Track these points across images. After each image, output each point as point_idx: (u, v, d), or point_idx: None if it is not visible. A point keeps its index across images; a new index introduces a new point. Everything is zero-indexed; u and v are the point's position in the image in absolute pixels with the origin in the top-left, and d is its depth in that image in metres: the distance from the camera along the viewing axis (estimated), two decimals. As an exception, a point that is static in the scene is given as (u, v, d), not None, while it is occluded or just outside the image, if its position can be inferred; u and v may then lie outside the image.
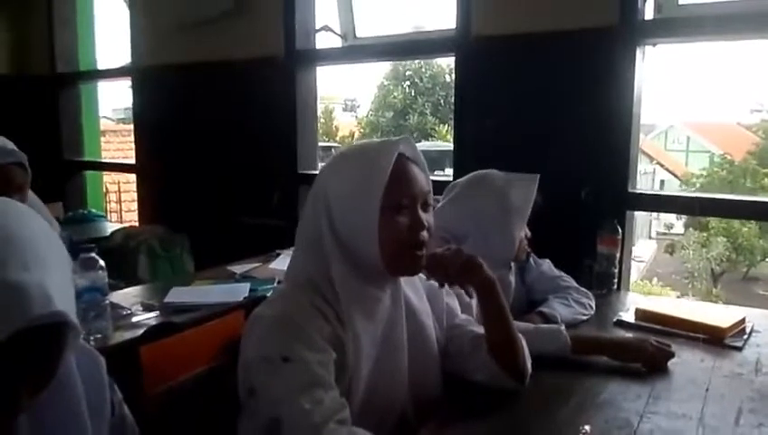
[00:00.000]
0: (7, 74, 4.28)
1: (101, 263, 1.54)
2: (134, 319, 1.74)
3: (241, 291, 1.95)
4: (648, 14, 2.24)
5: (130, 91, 3.84)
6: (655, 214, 14.18)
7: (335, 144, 15.45)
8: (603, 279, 2.05)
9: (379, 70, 18.61)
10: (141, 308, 1.84)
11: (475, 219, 1.63)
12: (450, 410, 1.23)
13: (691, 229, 13.50)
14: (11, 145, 1.87)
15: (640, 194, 2.33)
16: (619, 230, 2.07)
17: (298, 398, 0.98)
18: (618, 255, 2.07)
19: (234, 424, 1.15)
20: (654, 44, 2.27)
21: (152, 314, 1.78)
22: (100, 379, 0.88)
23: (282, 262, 2.39)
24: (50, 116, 4.25)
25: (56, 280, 0.68)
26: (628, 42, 2.19)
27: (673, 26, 2.22)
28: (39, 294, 0.64)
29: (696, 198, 2.50)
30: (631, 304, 1.88)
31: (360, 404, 1.10)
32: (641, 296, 2.19)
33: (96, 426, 0.84)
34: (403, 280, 1.22)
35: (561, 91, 2.36)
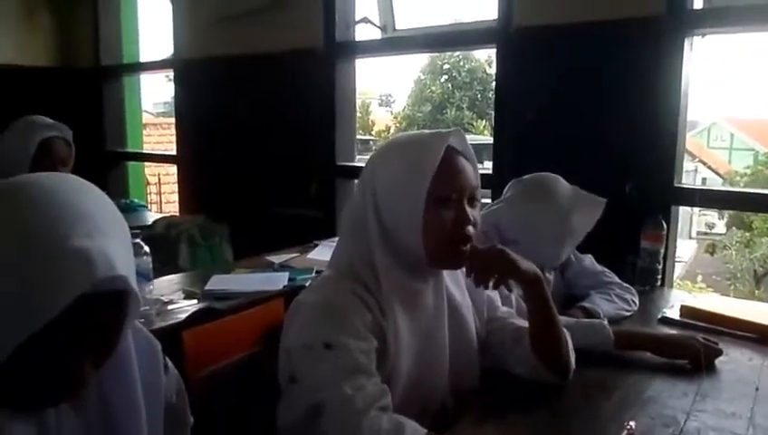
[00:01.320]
0: (55, 67, 4.40)
1: (146, 249, 1.56)
2: (176, 305, 1.77)
3: (280, 280, 1.96)
4: (698, 2, 2.17)
5: (171, 85, 3.91)
6: (696, 213, 13.83)
7: (372, 138, 15.48)
8: (646, 275, 2.00)
9: (416, 64, 18.55)
10: (183, 295, 1.87)
11: (529, 230, 1.59)
12: (490, 401, 1.22)
13: (734, 229, 13.12)
14: (50, 120, 1.94)
15: (686, 188, 2.27)
16: (664, 225, 2.02)
17: (340, 384, 0.98)
18: (662, 250, 2.03)
19: (273, 410, 1.16)
20: (703, 35, 2.21)
21: (193, 301, 1.81)
22: (155, 363, 0.90)
23: (319, 252, 2.40)
24: (94, 108, 4.35)
25: (118, 248, 0.70)
26: (675, 32, 2.13)
27: (724, 16, 2.15)
28: (102, 259, 0.67)
29: (744, 193, 2.43)
30: (676, 301, 1.83)
31: (401, 394, 1.10)
32: (686, 293, 2.13)
33: (150, 408, 0.86)
34: (445, 272, 1.22)
35: (605, 83, 2.31)
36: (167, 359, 0.93)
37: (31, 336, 0.65)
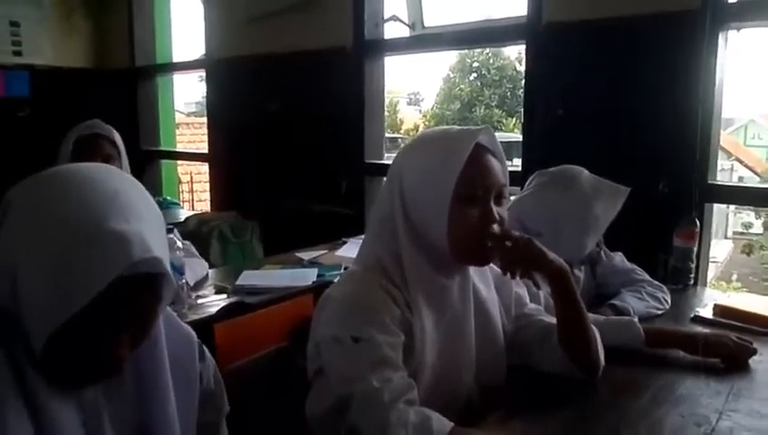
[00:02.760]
0: (91, 68, 4.50)
1: (179, 244, 1.60)
2: (207, 299, 1.80)
3: (309, 276, 1.99)
4: (734, -4, 2.13)
5: (202, 84, 3.97)
6: (732, 212, 13.50)
7: (400, 136, 15.48)
8: (679, 274, 1.97)
9: (445, 62, 18.51)
10: (214, 290, 1.90)
11: (552, 220, 1.57)
12: (518, 398, 1.21)
13: (772, 228, 12.78)
14: (95, 121, 1.97)
15: (720, 186, 2.23)
16: (698, 223, 1.98)
17: (368, 377, 0.99)
18: (695, 249, 1.99)
19: (301, 403, 1.18)
20: (738, 29, 2.16)
21: (224, 296, 1.84)
22: (189, 350, 0.92)
23: (348, 250, 2.42)
24: (129, 107, 4.44)
25: (153, 232, 0.73)
26: (710, 26, 2.09)
27: (760, 9, 2.10)
28: (139, 241, 0.70)
29: (783, 190, 2.37)
30: (709, 300, 1.79)
31: (426, 389, 1.10)
32: (719, 292, 2.09)
33: (184, 393, 0.88)
34: (472, 268, 1.21)
35: (637, 79, 2.27)
36: (203, 347, 0.95)
37: (70, 317, 0.68)
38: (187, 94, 16.35)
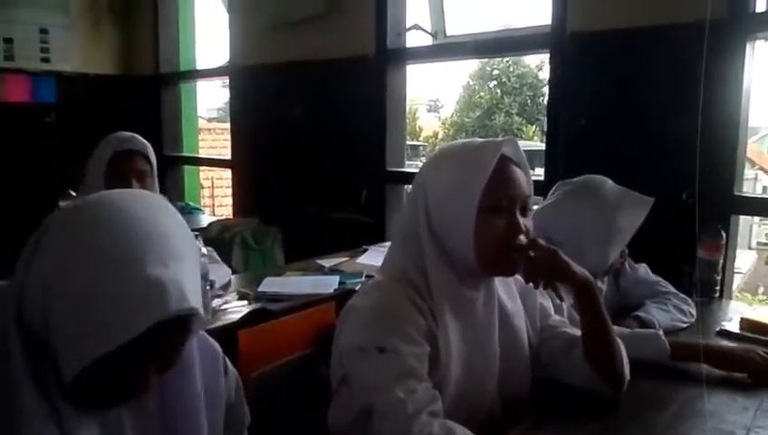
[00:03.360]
0: (116, 75, 4.58)
1: (203, 250, 1.61)
2: (230, 305, 1.82)
3: (331, 283, 1.99)
4: (761, 5, 2.10)
5: (223, 91, 4.01)
6: (756, 223, 13.28)
7: (420, 143, 15.48)
8: (704, 286, 1.94)
9: (465, 70, 18.50)
10: (237, 296, 1.92)
11: (575, 231, 1.56)
12: (541, 411, 1.21)
13: (798, 240, 12.56)
14: (131, 135, 1.97)
15: (747, 197, 2.20)
16: (723, 235, 1.96)
17: (392, 387, 0.99)
18: (720, 261, 1.96)
19: (324, 411, 1.18)
20: (766, 39, 2.13)
21: (246, 302, 1.86)
22: (216, 367, 0.93)
23: (369, 257, 2.42)
24: (153, 113, 4.51)
25: (190, 275, 0.73)
26: (736, 36, 2.07)
27: (788, 19, 2.08)
28: (176, 290, 0.70)
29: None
30: (735, 314, 1.77)
31: (449, 401, 1.10)
32: (746, 306, 2.06)
33: (211, 410, 0.90)
34: (497, 280, 1.21)
35: (661, 89, 2.26)
36: (226, 360, 0.96)
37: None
38: (209, 100, 16.54)
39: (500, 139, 1.14)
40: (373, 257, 2.35)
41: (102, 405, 0.78)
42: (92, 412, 0.78)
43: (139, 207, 0.75)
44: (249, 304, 1.83)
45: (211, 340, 0.95)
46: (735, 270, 2.52)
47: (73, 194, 2.19)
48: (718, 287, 1.98)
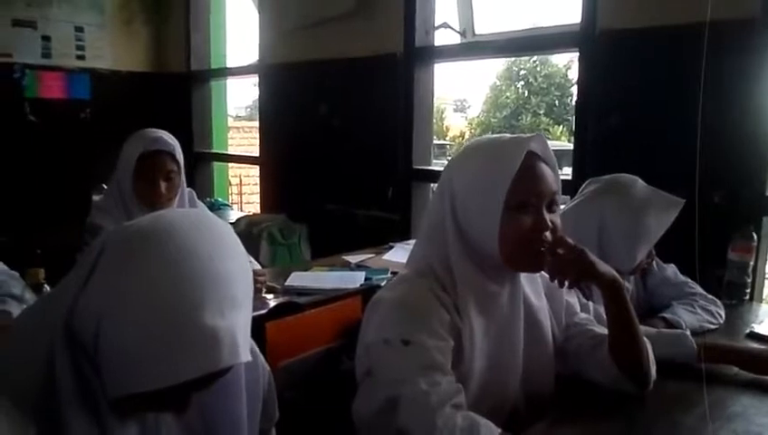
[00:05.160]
0: (148, 72, 4.67)
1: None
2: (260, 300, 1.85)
3: (357, 278, 2.01)
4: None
5: (251, 90, 4.06)
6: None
7: (447, 142, 15.45)
8: (734, 289, 1.91)
9: (491, 70, 18.42)
10: (264, 290, 1.95)
11: (602, 230, 1.55)
12: (565, 407, 1.21)
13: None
14: (159, 134, 1.99)
15: (780, 199, 2.15)
16: (755, 237, 1.93)
17: (416, 380, 1.00)
18: (751, 263, 1.93)
19: (348, 402, 1.19)
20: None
21: (273, 295, 1.89)
22: (255, 370, 0.94)
23: (394, 254, 2.44)
24: (184, 110, 4.58)
25: (244, 325, 0.72)
26: (769, 35, 2.04)
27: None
28: (229, 343, 0.69)
29: None
30: (765, 316, 1.74)
31: (473, 395, 1.11)
32: (777, 309, 2.02)
33: (251, 427, 0.91)
34: (522, 276, 1.21)
35: (693, 89, 2.21)
36: (259, 355, 0.97)
37: None
38: (237, 99, 16.70)
39: (527, 135, 1.14)
40: (399, 254, 2.36)
41: (143, 411, 0.79)
42: (131, 415, 0.79)
43: (198, 241, 0.71)
44: (276, 297, 1.86)
45: (261, 362, 0.95)
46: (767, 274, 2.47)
47: (105, 187, 2.24)
48: (749, 290, 1.95)
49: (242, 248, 0.77)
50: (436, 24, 3.15)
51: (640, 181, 1.62)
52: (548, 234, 1.11)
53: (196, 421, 0.85)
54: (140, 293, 0.68)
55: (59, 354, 0.71)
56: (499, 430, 0.97)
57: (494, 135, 1.23)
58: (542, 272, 1.20)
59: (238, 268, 0.74)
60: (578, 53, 2.54)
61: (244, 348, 0.71)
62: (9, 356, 0.74)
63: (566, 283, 1.14)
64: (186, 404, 0.76)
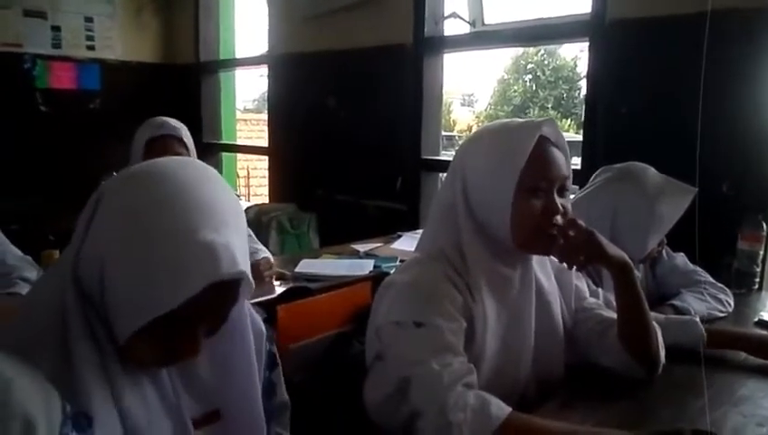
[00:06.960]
0: (157, 63, 4.69)
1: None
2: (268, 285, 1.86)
3: (366, 266, 2.03)
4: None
5: (260, 82, 4.07)
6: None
7: (455, 133, 15.43)
8: (743, 278, 1.92)
9: (499, 64, 18.35)
10: (273, 277, 1.96)
11: (614, 218, 1.55)
12: (574, 389, 1.22)
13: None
14: (165, 119, 2.01)
15: (789, 188, 2.14)
16: (764, 226, 1.92)
17: (428, 360, 1.01)
18: (761, 252, 1.93)
19: (357, 385, 1.20)
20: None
21: (283, 281, 1.90)
22: (260, 342, 0.95)
23: (403, 243, 2.45)
24: (193, 101, 4.60)
25: (239, 242, 0.76)
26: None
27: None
28: (227, 254, 0.72)
29: None
30: (775, 305, 1.75)
31: (484, 378, 1.11)
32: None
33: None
34: (534, 259, 1.22)
35: (701, 78, 2.20)
36: (259, 320, 0.98)
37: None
38: (244, 92, 16.70)
39: (539, 119, 1.15)
40: (407, 243, 2.38)
41: (155, 365, 0.81)
42: (145, 372, 0.81)
43: (188, 176, 0.77)
44: (287, 283, 1.87)
45: (258, 319, 0.97)
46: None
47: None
48: (758, 279, 1.95)
49: (229, 186, 0.82)
50: (445, 14, 3.15)
51: (653, 169, 1.62)
52: (559, 217, 1.12)
53: (209, 375, 0.87)
54: (136, 225, 0.72)
55: (69, 304, 0.75)
56: (509, 409, 0.97)
57: (506, 120, 1.23)
58: (552, 256, 1.20)
59: (227, 198, 0.78)
60: (588, 43, 2.54)
61: (243, 261, 0.74)
62: (28, 312, 0.79)
63: (575, 265, 1.15)
64: (197, 345, 0.78)
